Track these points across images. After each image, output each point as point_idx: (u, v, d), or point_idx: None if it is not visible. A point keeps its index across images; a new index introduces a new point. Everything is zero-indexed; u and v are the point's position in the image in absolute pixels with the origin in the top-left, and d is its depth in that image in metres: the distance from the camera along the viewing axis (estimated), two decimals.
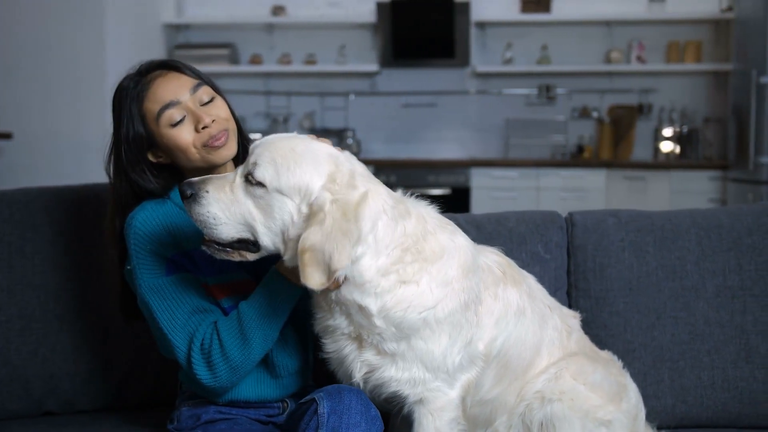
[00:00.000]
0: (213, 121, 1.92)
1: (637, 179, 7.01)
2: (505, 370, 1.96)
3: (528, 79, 7.71)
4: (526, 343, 1.98)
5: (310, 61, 7.75)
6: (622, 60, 7.53)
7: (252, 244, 1.74)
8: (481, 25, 7.67)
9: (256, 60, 7.77)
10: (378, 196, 1.76)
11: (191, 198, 1.70)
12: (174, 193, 2.00)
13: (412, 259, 1.77)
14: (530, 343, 1.99)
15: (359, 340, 1.81)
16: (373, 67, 7.66)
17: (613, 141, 7.51)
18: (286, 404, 2.04)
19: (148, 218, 1.92)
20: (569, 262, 2.47)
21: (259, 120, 7.89)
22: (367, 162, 8.84)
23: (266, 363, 1.96)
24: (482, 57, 7.73)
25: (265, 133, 7.57)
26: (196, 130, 1.92)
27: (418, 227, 1.81)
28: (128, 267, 1.94)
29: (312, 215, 1.67)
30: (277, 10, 7.69)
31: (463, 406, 1.90)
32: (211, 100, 1.96)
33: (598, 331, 2.34)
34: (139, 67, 1.99)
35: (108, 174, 2.01)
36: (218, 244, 1.74)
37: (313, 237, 1.64)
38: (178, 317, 1.86)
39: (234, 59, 7.75)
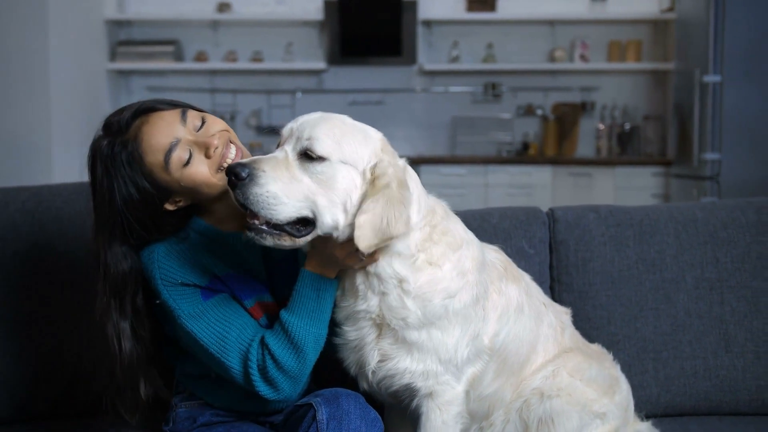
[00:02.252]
0: (218, 139, 1.87)
1: (582, 175, 7.16)
2: (504, 366, 1.99)
3: (474, 77, 7.80)
4: (524, 340, 2.01)
5: (257, 58, 7.69)
6: (566, 59, 7.68)
7: (308, 223, 1.70)
8: (428, 24, 7.73)
9: (201, 57, 7.68)
10: (409, 168, 1.82)
11: (248, 179, 1.64)
12: (193, 221, 1.95)
13: (437, 239, 1.81)
14: (527, 339, 2.02)
15: (380, 327, 1.82)
16: (320, 64, 7.65)
17: (558, 138, 7.66)
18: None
19: (172, 251, 1.86)
20: (551, 257, 2.51)
21: None
22: None
23: None
24: (429, 55, 7.79)
25: None
26: (207, 157, 1.85)
27: (439, 208, 1.87)
28: (157, 302, 1.87)
29: (375, 179, 1.70)
30: (223, 7, 7.61)
31: (467, 400, 1.93)
32: (203, 122, 1.88)
33: (582, 324, 2.39)
34: (110, 127, 1.87)
35: (102, 250, 1.86)
36: (270, 226, 1.68)
37: (374, 203, 1.67)
38: (228, 338, 1.81)
39: (178, 56, 7.64)
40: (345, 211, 1.70)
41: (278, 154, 1.71)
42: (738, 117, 5.76)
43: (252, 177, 1.64)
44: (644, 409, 2.31)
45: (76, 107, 6.92)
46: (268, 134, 7.73)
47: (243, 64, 7.70)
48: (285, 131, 1.76)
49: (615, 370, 2.16)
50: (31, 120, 6.30)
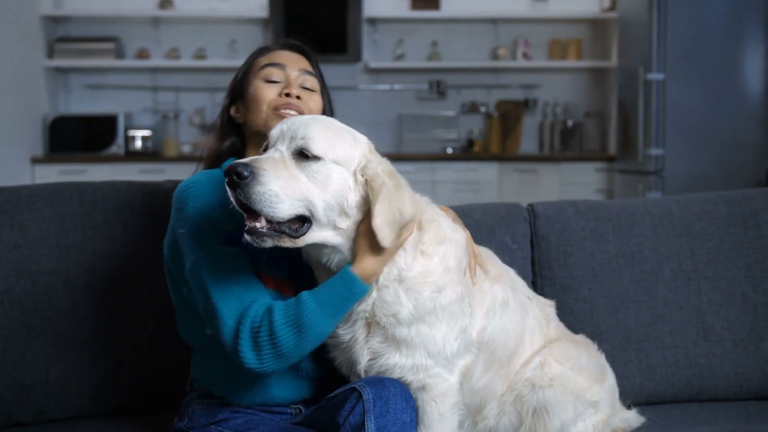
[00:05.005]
0: (299, 98, 2.01)
1: (528, 171, 7.27)
2: (493, 358, 2.03)
3: (419, 75, 7.85)
4: (511, 333, 2.06)
5: (200, 55, 7.59)
6: (509, 57, 7.78)
7: (303, 222, 1.72)
8: (372, 22, 7.74)
9: (143, 54, 7.54)
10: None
11: (250, 177, 1.64)
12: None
13: (426, 227, 1.88)
14: (514, 332, 2.07)
15: (370, 326, 1.85)
16: None
17: (502, 135, 7.76)
18: (299, 410, 2.03)
19: (207, 185, 1.91)
20: (533, 252, 2.56)
21: (147, 116, 7.67)
22: None
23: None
24: (374, 53, 7.80)
25: (153, 129, 7.39)
26: (280, 95, 2.00)
27: (425, 206, 1.94)
28: (181, 231, 1.87)
29: (370, 180, 1.75)
30: (165, 4, 7.48)
31: (461, 393, 1.96)
32: (308, 91, 2.05)
33: (566, 317, 2.43)
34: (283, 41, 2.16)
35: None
36: (270, 227, 1.69)
37: (380, 204, 1.72)
38: (231, 288, 1.79)
39: (119, 53, 7.48)
40: (344, 213, 1.75)
41: (274, 154, 1.74)
42: (681, 113, 5.92)
43: (254, 176, 1.65)
44: (629, 397, 2.38)
45: (12, 105, 6.72)
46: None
47: (186, 62, 7.58)
48: (274, 133, 1.79)
49: (601, 359, 2.23)
50: None
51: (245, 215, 1.69)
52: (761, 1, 5.87)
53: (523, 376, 2.08)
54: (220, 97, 7.51)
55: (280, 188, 1.67)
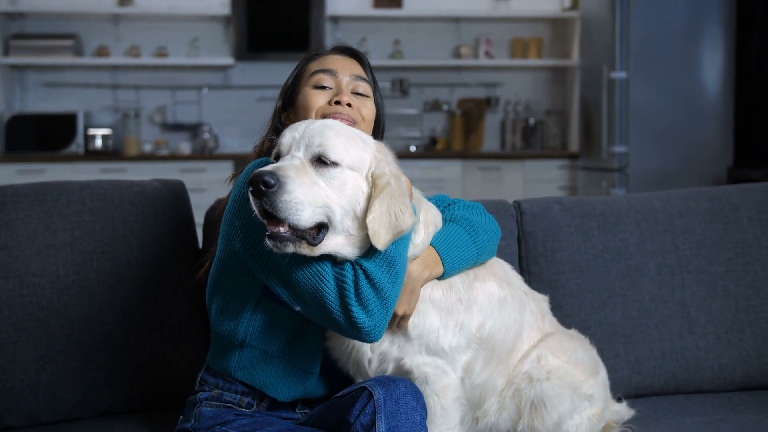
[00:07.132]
0: (349, 105, 1.97)
1: (492, 169, 7.33)
2: (492, 354, 2.05)
3: (381, 73, 7.82)
4: (510, 329, 2.09)
5: (161, 53, 7.49)
6: (471, 55, 7.84)
7: (320, 230, 1.72)
8: (335, 20, 7.73)
9: (102, 52, 7.42)
10: None
11: (276, 186, 1.63)
12: None
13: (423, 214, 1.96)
14: (513, 328, 2.10)
15: None
16: (226, 60, 7.53)
17: (464, 133, 7.81)
18: (305, 413, 2.03)
19: None
20: (520, 248, 2.59)
21: (107, 115, 7.55)
22: (224, 157, 8.40)
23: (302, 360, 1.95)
24: None
25: (114, 128, 7.29)
26: (329, 103, 1.97)
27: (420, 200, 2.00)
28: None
29: (376, 178, 1.77)
30: (124, 0, 7.37)
31: (463, 387, 1.98)
32: (362, 97, 2.01)
33: (554, 312, 2.43)
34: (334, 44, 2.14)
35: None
36: (292, 233, 1.69)
37: (380, 202, 1.73)
38: (325, 270, 1.76)
39: (78, 51, 7.35)
40: (356, 218, 1.75)
41: (293, 161, 1.73)
42: (644, 111, 6.03)
43: (280, 184, 1.65)
44: (618, 390, 2.41)
45: None
46: (174, 131, 7.57)
47: (146, 60, 7.48)
48: (285, 141, 1.79)
49: (594, 353, 2.26)
50: None
51: (266, 222, 1.69)
52: (720, 2, 6.00)
53: (521, 369, 2.10)
54: (182, 95, 7.49)
55: (303, 195, 1.67)
